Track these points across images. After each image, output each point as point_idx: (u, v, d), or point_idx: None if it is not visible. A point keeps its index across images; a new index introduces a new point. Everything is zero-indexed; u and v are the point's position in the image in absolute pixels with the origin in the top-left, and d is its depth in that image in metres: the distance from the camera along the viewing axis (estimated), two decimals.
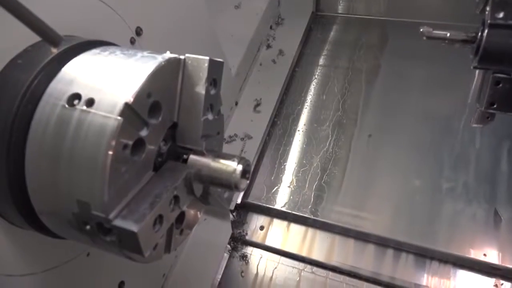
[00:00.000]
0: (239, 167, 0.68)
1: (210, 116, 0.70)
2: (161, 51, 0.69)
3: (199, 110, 0.68)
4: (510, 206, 1.29)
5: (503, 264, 1.22)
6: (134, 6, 0.97)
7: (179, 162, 0.69)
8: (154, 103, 0.63)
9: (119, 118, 0.56)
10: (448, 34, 0.80)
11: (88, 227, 0.59)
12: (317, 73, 1.76)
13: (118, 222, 0.56)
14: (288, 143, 1.57)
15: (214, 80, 0.70)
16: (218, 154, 0.70)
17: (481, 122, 1.06)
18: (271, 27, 1.90)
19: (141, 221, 0.56)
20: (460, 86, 1.55)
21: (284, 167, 1.52)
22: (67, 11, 0.79)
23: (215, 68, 0.69)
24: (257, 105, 1.65)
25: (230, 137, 1.57)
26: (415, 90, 1.63)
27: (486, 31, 0.73)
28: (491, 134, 1.46)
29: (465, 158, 1.41)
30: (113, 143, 0.56)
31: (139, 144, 0.61)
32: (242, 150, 1.54)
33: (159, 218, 0.60)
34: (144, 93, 0.60)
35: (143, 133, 0.61)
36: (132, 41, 0.96)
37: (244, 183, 0.69)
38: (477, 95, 1.04)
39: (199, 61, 0.67)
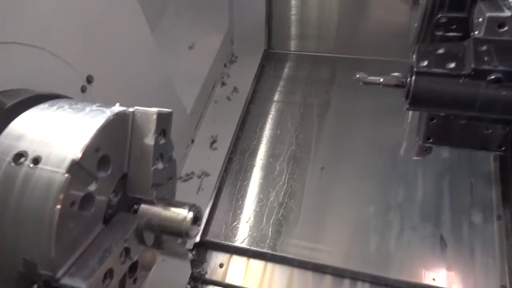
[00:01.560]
0: (190, 215, 0.70)
1: (160, 165, 0.72)
2: (110, 104, 0.71)
3: (148, 160, 0.70)
4: (453, 231, 1.37)
5: (451, 287, 1.29)
6: (83, 54, 0.99)
7: (129, 212, 0.70)
8: (103, 157, 0.64)
9: (66, 174, 0.57)
10: (381, 80, 0.88)
11: (35, 286, 0.58)
12: (271, 108, 1.82)
13: (66, 280, 0.56)
14: (245, 179, 1.60)
15: (163, 130, 0.72)
16: (169, 202, 0.72)
17: (420, 155, 1.14)
18: (225, 65, 1.96)
19: (90, 277, 0.57)
20: (406, 115, 1.65)
21: (242, 203, 1.54)
22: (14, 64, 0.80)
23: (164, 119, 0.71)
24: (213, 142, 1.68)
25: (187, 175, 1.58)
26: (364, 121, 1.72)
27: (413, 77, 0.80)
28: (434, 161, 1.55)
29: (412, 186, 1.49)
30: (61, 199, 0.56)
31: (87, 198, 0.62)
32: (199, 188, 1.55)
33: (109, 272, 0.60)
34: (92, 149, 0.61)
35: (92, 187, 0.62)
36: (83, 90, 0.97)
37: (195, 230, 0.71)
38: (416, 130, 1.12)
39: (148, 113, 0.69)
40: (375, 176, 1.54)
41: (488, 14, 0.77)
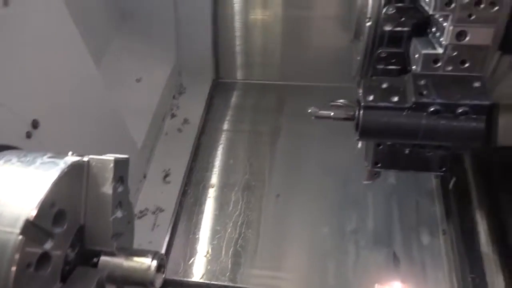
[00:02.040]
0: (154, 263, 0.68)
1: (119, 214, 0.70)
2: (61, 154, 0.68)
3: (107, 210, 0.67)
4: (405, 248, 1.44)
5: None
6: (25, 98, 0.94)
7: (89, 266, 0.67)
8: (58, 211, 0.61)
9: (20, 236, 0.54)
10: (332, 114, 0.92)
11: None
12: (222, 138, 1.83)
13: None
14: (201, 212, 1.58)
15: (121, 177, 0.70)
16: (131, 252, 0.70)
17: (370, 179, 1.20)
18: (174, 97, 1.95)
19: None
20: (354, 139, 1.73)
21: (199, 237, 1.51)
22: None
23: (121, 166, 0.70)
24: (166, 175, 1.65)
25: (141, 212, 1.54)
26: (315, 146, 1.77)
27: (361, 111, 0.85)
28: (382, 182, 1.63)
29: (363, 208, 1.55)
30: (16, 260, 0.53)
31: (44, 257, 0.58)
32: (154, 224, 1.51)
33: None
34: (47, 205, 0.58)
35: (48, 245, 0.58)
36: (29, 135, 0.92)
37: (160, 278, 0.69)
38: (364, 155, 1.18)
39: (104, 162, 0.67)
40: (329, 200, 1.59)
41: (423, 51, 0.84)
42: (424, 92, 0.82)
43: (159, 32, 1.90)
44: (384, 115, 0.85)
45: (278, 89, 2.03)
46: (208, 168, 1.72)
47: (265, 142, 1.81)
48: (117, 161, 0.68)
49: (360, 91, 0.88)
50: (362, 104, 0.85)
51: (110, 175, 0.67)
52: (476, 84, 0.82)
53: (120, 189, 0.70)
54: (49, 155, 0.67)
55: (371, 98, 0.85)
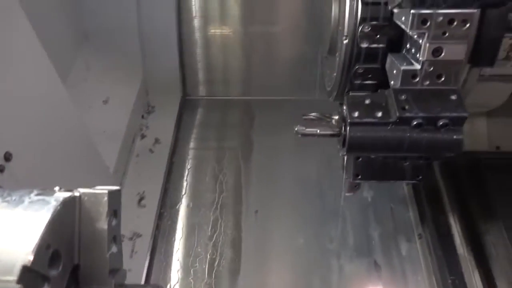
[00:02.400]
0: None
1: (114, 249, 0.67)
2: (49, 189, 0.65)
3: (103, 246, 0.64)
4: (384, 255, 1.48)
5: None
6: None
7: None
8: (53, 253, 0.57)
9: (18, 286, 0.50)
10: (318, 131, 0.93)
11: None
12: (195, 157, 1.81)
13: None
14: (179, 234, 1.54)
15: (114, 210, 0.67)
16: None
17: (351, 191, 1.22)
18: (142, 116, 1.90)
19: None
20: (326, 147, 1.74)
21: (180, 260, 1.47)
22: None
23: (115, 198, 0.67)
24: (141, 199, 1.60)
25: None
26: (288, 158, 1.79)
27: (348, 128, 0.87)
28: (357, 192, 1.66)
29: (342, 218, 1.58)
30: None
31: None
32: (132, 251, 1.46)
33: None
34: (43, 248, 0.54)
35: None
36: (1, 169, 0.86)
37: None
38: (342, 167, 1.20)
39: (97, 195, 0.64)
40: (307, 213, 1.60)
41: (402, 68, 0.87)
42: (406, 107, 0.85)
43: (124, 51, 1.86)
44: (370, 130, 0.87)
45: (247, 104, 2.03)
46: (183, 189, 1.68)
47: (239, 158, 1.80)
48: (110, 194, 0.65)
49: (345, 107, 0.90)
50: (349, 120, 0.87)
51: (104, 209, 0.64)
52: (453, 97, 0.87)
53: (114, 222, 0.67)
54: (35, 192, 0.63)
55: (356, 114, 0.87)
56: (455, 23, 0.81)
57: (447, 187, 1.52)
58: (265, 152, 1.81)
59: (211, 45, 1.97)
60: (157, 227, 1.55)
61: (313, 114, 1.47)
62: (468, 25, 0.81)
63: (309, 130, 0.94)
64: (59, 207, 0.59)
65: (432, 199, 1.53)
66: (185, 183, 1.71)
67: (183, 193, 1.67)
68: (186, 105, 2.03)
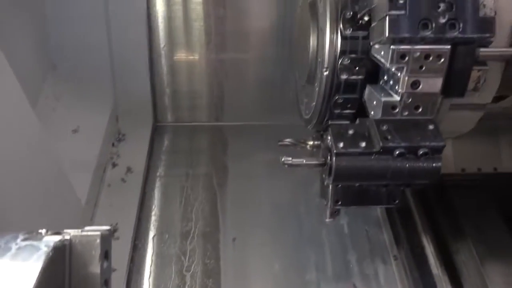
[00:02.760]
0: None
1: None
2: (35, 233, 0.61)
3: None
4: (362, 278, 1.50)
5: None
6: None
7: None
8: None
9: None
10: (304, 161, 0.95)
11: None
12: (170, 185, 1.77)
13: None
14: (156, 266, 1.50)
15: (106, 252, 0.65)
16: None
17: (332, 216, 1.24)
18: (113, 145, 1.85)
19: None
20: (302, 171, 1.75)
21: None
22: None
23: (106, 240, 0.64)
24: (114, 231, 1.54)
25: None
26: (264, 183, 1.79)
27: (334, 158, 0.89)
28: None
29: (319, 244, 1.59)
30: None
31: None
32: None
33: None
34: None
35: None
36: None
37: None
38: (320, 193, 1.22)
39: (89, 238, 0.62)
40: (285, 238, 1.60)
41: (383, 100, 0.91)
42: (389, 137, 0.88)
43: (94, 78, 1.82)
44: (355, 160, 0.90)
45: (220, 130, 2.03)
46: (158, 218, 1.64)
47: (214, 184, 1.79)
48: (103, 236, 0.63)
49: (329, 138, 0.93)
50: (334, 151, 0.89)
51: (97, 252, 0.62)
52: (430, 127, 0.91)
53: (105, 265, 0.64)
54: (22, 237, 0.60)
55: (341, 145, 0.89)
56: (430, 58, 0.86)
57: (418, 209, 1.57)
58: (240, 177, 1.81)
59: (183, 71, 1.97)
60: (132, 260, 1.50)
61: (288, 140, 1.50)
62: (442, 60, 0.86)
63: (296, 160, 0.96)
64: (50, 254, 0.56)
65: (405, 220, 1.58)
66: (159, 213, 1.66)
67: (158, 223, 1.63)
68: (158, 132, 2.00)
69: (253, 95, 2.03)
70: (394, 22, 0.77)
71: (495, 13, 0.96)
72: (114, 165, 1.79)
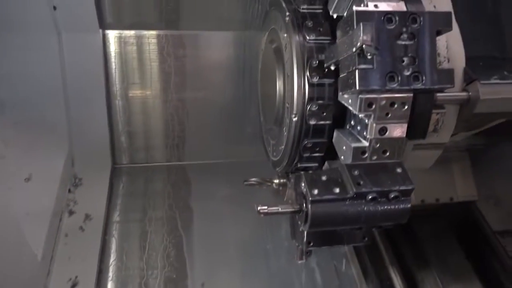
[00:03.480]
0: None
1: None
2: None
3: None
4: None
5: None
6: None
7: None
8: None
9: None
10: (280, 209, 0.95)
11: None
12: (132, 230, 1.70)
13: None
14: None
15: None
16: None
17: (303, 258, 1.24)
18: (69, 191, 1.76)
19: None
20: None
21: None
22: None
23: None
24: (74, 285, 1.44)
25: None
26: (231, 224, 1.76)
27: (309, 206, 0.89)
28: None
29: (290, 284, 1.58)
30: None
31: None
32: None
33: None
34: None
35: None
36: None
37: None
38: (291, 234, 1.22)
39: None
40: (255, 280, 1.57)
41: (353, 145, 0.94)
42: (361, 182, 0.91)
43: (47, 121, 1.73)
44: (330, 206, 0.91)
45: (183, 169, 2.00)
46: (121, 267, 1.56)
47: (179, 227, 1.74)
48: None
49: (303, 185, 0.93)
50: (310, 198, 0.89)
51: None
52: (398, 170, 0.95)
53: None
54: None
55: (316, 192, 0.90)
56: (395, 105, 0.90)
57: (383, 241, 1.61)
58: (207, 219, 1.77)
59: (143, 111, 1.93)
60: None
61: (253, 179, 1.50)
62: (406, 107, 0.91)
63: (271, 209, 0.95)
64: None
65: (372, 253, 1.61)
66: (123, 261, 1.58)
67: (122, 272, 1.55)
68: (117, 175, 1.93)
69: (215, 133, 2.02)
70: (363, 76, 0.80)
71: (448, 60, 1.04)
72: (71, 212, 1.69)
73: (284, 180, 1.38)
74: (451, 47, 1.03)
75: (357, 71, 0.80)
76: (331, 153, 1.09)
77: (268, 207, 0.95)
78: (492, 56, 1.14)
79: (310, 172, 0.98)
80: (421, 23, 0.81)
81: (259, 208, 0.94)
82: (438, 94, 0.98)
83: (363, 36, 0.74)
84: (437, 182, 1.59)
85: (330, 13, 1.00)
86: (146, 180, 1.94)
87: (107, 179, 1.86)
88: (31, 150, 1.67)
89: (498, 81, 1.02)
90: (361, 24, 0.75)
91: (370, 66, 0.80)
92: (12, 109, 1.71)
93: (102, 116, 1.84)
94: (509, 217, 1.62)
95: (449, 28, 0.83)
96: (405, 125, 0.93)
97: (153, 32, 1.80)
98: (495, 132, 1.46)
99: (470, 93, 1.03)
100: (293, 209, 0.95)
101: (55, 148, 1.75)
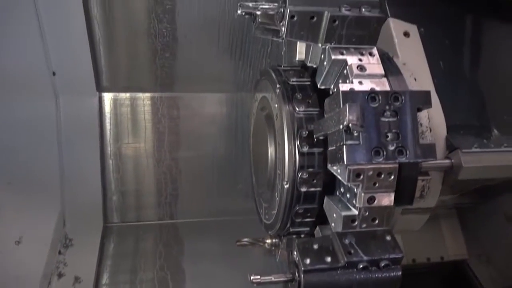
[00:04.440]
0: None
1: None
2: None
3: None
4: None
5: None
6: None
7: None
8: None
9: None
10: (273, 278, 0.95)
11: None
12: None
13: None
14: None
15: None
16: None
17: None
18: (59, 252, 1.73)
19: None
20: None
21: None
22: None
23: None
24: None
25: None
26: (223, 284, 1.73)
27: (302, 275, 0.91)
28: None
29: None
30: None
31: None
32: None
33: None
34: None
35: None
36: None
37: None
38: None
39: None
40: None
41: (343, 214, 0.96)
42: (352, 251, 0.93)
43: (39, 183, 1.74)
44: (322, 276, 0.92)
45: (175, 228, 1.99)
46: None
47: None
48: None
49: (295, 254, 0.95)
50: (302, 268, 0.91)
51: None
52: (388, 238, 0.97)
53: None
54: None
55: (308, 261, 0.92)
56: (382, 176, 0.94)
57: None
58: (199, 280, 1.75)
59: (136, 171, 1.96)
60: None
61: (246, 239, 1.51)
62: (392, 177, 0.95)
63: (264, 278, 0.96)
64: None
65: None
66: None
67: None
68: (109, 234, 1.92)
69: (207, 191, 2.04)
70: (350, 151, 0.84)
71: (431, 130, 1.09)
72: (60, 275, 1.66)
73: (277, 240, 1.39)
74: (432, 117, 1.09)
75: (344, 146, 0.84)
76: (322, 218, 1.12)
77: (261, 277, 0.96)
78: (471, 125, 1.20)
79: (302, 238, 1.00)
80: (403, 101, 0.87)
81: (252, 278, 0.95)
82: (423, 162, 1.02)
83: (349, 116, 0.79)
84: (427, 241, 1.61)
85: (318, 86, 1.06)
86: (138, 239, 1.92)
87: (98, 238, 1.84)
88: (23, 210, 1.67)
89: (478, 149, 1.07)
90: (347, 105, 0.80)
91: (357, 142, 0.84)
92: (6, 169, 1.73)
93: (96, 176, 1.86)
94: (501, 276, 1.63)
95: (428, 105, 0.89)
96: (393, 194, 0.96)
97: (148, 94, 1.87)
98: (481, 191, 1.51)
99: (453, 161, 1.08)
100: (286, 278, 0.95)
101: (47, 207, 1.75)
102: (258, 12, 0.99)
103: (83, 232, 1.84)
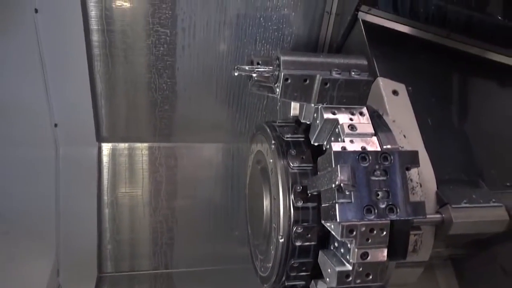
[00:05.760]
0: None
1: None
2: None
3: None
4: None
5: None
6: None
7: None
8: None
9: None
10: None
11: None
12: None
13: None
14: None
15: None
16: None
17: None
18: None
19: None
20: None
21: None
22: None
23: None
24: None
25: None
26: None
27: None
28: None
29: None
30: None
31: None
32: None
33: None
34: None
35: None
36: None
37: None
38: None
39: None
40: None
41: (338, 269, 0.98)
42: None
43: (37, 229, 1.74)
44: None
45: (170, 277, 1.97)
46: None
47: None
48: None
49: None
50: None
51: None
52: None
53: None
54: None
55: None
56: (375, 231, 0.96)
57: None
58: None
59: (132, 221, 1.96)
60: None
61: None
62: (385, 232, 0.97)
63: None
64: None
65: None
66: None
67: None
68: (102, 284, 1.89)
69: (203, 240, 2.03)
70: (342, 209, 0.87)
71: (421, 185, 1.13)
72: None
73: None
74: (422, 172, 1.13)
75: (337, 205, 0.87)
76: (317, 271, 1.13)
77: None
78: (460, 179, 1.24)
79: None
80: (392, 161, 0.91)
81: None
82: None
83: (340, 176, 0.83)
84: None
85: (312, 142, 1.11)
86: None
87: None
88: (18, 260, 1.65)
89: (468, 205, 1.10)
90: (338, 166, 0.84)
91: (349, 200, 0.88)
92: (5, 218, 1.73)
93: (92, 225, 1.86)
94: None
95: (416, 165, 0.93)
96: (385, 249, 0.98)
97: (146, 144, 1.91)
98: (475, 243, 1.52)
99: (443, 216, 1.11)
100: None
101: (42, 257, 1.74)
102: (254, 75, 1.05)
103: (76, 282, 1.82)
